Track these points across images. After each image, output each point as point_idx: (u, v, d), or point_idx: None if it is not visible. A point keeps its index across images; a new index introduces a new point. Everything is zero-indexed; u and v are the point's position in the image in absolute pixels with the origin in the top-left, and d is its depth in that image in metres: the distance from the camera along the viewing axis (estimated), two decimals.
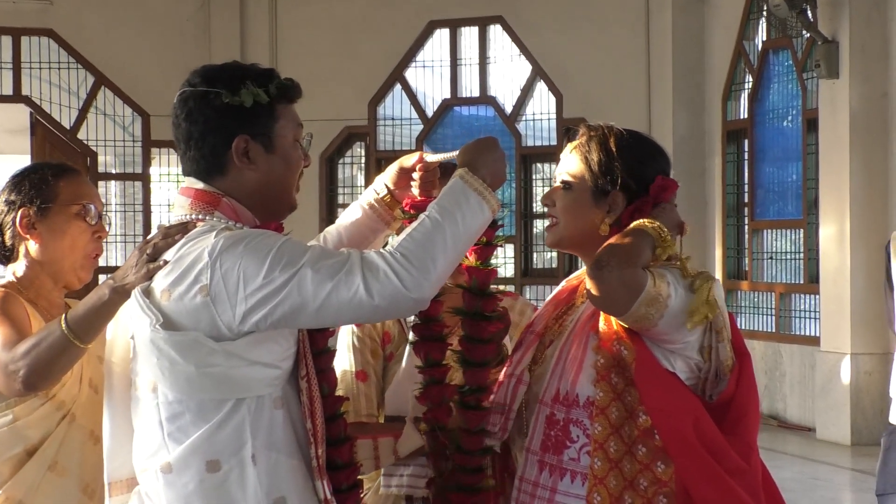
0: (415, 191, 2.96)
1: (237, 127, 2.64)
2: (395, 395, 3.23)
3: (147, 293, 2.57)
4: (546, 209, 2.91)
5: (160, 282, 2.56)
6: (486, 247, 2.82)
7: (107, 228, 3.19)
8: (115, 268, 14.56)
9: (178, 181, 15.13)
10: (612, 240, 2.69)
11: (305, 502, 2.60)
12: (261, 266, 2.48)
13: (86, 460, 3.04)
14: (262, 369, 2.55)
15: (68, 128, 14.36)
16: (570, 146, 2.88)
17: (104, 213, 3.19)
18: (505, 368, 2.93)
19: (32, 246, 3.11)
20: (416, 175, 2.97)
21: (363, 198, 3.07)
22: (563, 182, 2.86)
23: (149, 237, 2.67)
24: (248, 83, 2.65)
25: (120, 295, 2.68)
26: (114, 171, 15.57)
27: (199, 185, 2.68)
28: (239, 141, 2.64)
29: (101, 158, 14.63)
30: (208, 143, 2.65)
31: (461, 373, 2.92)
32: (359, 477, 2.76)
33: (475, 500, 2.84)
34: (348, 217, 3.08)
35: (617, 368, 2.68)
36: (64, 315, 2.77)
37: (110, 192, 15.41)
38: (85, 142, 14.41)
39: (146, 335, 2.55)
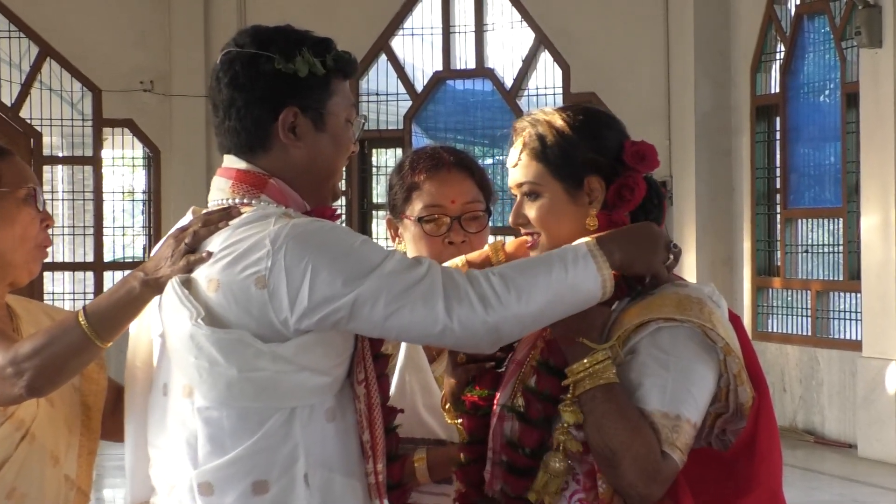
0: None
1: (287, 97, 2.65)
2: None
3: (187, 284, 2.58)
4: (520, 229, 2.83)
5: (206, 271, 2.56)
6: None
7: (52, 216, 3.15)
8: (62, 264, 14.65)
9: (133, 165, 15.13)
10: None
11: None
12: (332, 266, 2.51)
13: (45, 485, 3.01)
14: (310, 376, 2.56)
15: (9, 105, 14.32)
16: (514, 151, 2.81)
17: (46, 199, 3.15)
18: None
19: None
20: None
21: None
22: (528, 192, 2.79)
23: (185, 224, 2.67)
24: (303, 50, 2.66)
25: (151, 289, 2.65)
26: (61, 154, 15.53)
27: (242, 164, 2.68)
28: (287, 113, 2.65)
29: (46, 139, 14.61)
30: (252, 113, 2.65)
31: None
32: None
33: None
34: None
35: None
36: (82, 310, 2.73)
37: (56, 177, 15.37)
38: (28, 121, 14.38)
39: (185, 330, 2.54)
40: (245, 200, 2.65)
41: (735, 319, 2.74)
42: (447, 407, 2.97)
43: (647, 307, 2.65)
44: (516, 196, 2.82)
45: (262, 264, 2.51)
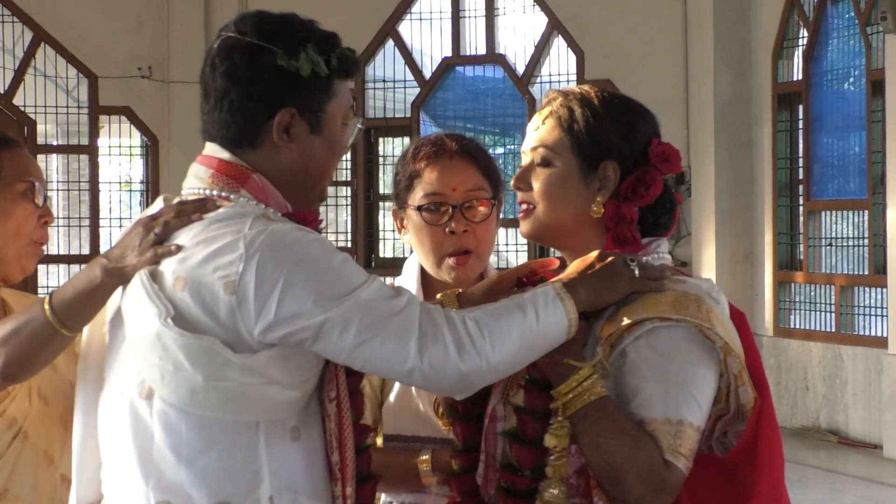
0: None
1: (286, 97, 2.60)
2: (393, 413, 3.30)
3: (155, 278, 2.53)
4: (518, 193, 2.81)
5: (174, 266, 2.52)
6: None
7: (52, 213, 3.15)
8: (57, 257, 14.67)
9: (130, 154, 15.13)
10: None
11: None
12: (306, 282, 2.47)
13: (39, 486, 3.03)
14: (279, 390, 2.52)
15: (2, 92, 14.35)
16: (540, 115, 2.79)
17: (47, 193, 3.15)
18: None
19: None
20: None
21: None
22: (541, 157, 2.77)
23: (155, 213, 2.62)
24: (308, 47, 2.61)
25: (115, 278, 2.61)
26: (55, 143, 15.57)
27: (225, 154, 2.64)
28: (284, 114, 2.61)
29: (40, 128, 14.64)
30: (246, 109, 2.61)
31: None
32: None
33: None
34: None
35: None
36: (48, 298, 2.71)
37: (51, 166, 15.40)
38: (22, 108, 14.40)
39: (151, 328, 2.50)
40: (223, 194, 2.61)
41: (738, 316, 2.72)
42: (440, 412, 2.96)
43: (641, 304, 2.62)
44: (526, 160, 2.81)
45: (234, 268, 2.47)
